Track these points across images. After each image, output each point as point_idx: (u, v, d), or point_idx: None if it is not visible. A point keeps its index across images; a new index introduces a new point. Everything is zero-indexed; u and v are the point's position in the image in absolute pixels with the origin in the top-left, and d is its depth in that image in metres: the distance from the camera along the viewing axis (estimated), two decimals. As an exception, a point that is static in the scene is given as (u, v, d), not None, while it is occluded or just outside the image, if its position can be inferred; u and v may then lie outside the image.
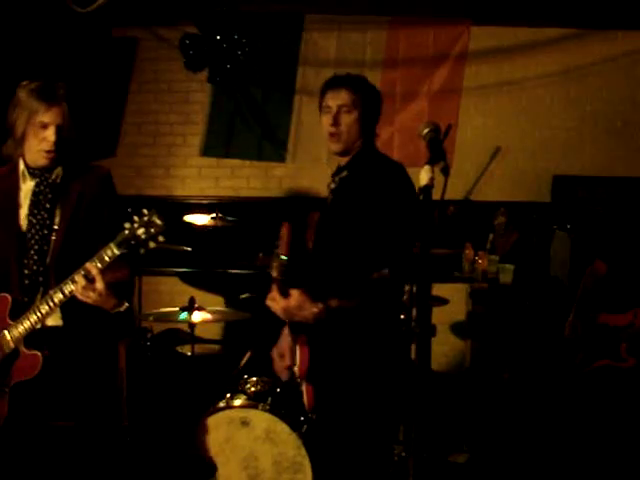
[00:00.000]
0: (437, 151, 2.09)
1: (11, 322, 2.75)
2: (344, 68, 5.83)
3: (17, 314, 2.76)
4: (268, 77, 5.84)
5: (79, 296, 2.67)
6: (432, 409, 2.57)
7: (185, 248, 5.05)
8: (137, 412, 4.67)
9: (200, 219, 5.04)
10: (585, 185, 5.54)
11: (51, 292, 2.71)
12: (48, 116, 2.81)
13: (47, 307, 2.70)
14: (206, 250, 5.36)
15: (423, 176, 2.00)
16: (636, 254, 4.23)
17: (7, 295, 2.78)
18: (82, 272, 2.64)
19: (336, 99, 2.88)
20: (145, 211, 2.75)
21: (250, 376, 3.91)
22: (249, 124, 5.86)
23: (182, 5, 5.39)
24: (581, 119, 5.83)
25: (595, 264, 4.36)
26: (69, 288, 2.67)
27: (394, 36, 5.78)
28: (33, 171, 2.87)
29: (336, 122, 2.86)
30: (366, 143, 2.97)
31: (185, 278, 5.87)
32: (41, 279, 2.79)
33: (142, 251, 2.69)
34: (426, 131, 2.17)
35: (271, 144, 5.87)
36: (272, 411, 3.56)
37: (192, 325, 4.14)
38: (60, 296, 2.69)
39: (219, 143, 5.89)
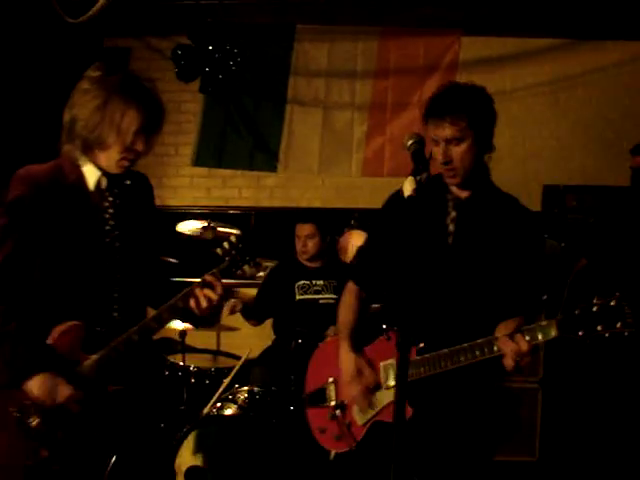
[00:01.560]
0: (421, 162, 2.11)
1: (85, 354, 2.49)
2: (335, 78, 5.90)
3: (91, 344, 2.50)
4: (260, 87, 5.86)
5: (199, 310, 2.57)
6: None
7: (175, 258, 5.05)
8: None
9: (192, 229, 5.04)
10: (575, 194, 5.56)
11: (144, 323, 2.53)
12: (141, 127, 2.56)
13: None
14: (197, 260, 5.35)
15: (407, 187, 2.02)
16: (625, 260, 4.25)
17: (80, 323, 2.48)
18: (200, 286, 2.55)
19: (441, 131, 2.48)
20: (233, 238, 2.52)
21: (241, 385, 3.92)
22: (241, 134, 5.88)
23: (174, 16, 5.42)
24: (571, 128, 5.86)
25: (580, 262, 4.39)
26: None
27: (385, 46, 5.81)
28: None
29: (447, 157, 2.49)
30: (484, 174, 2.62)
31: (176, 287, 5.85)
32: (116, 296, 2.55)
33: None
34: (410, 142, 2.18)
35: (263, 154, 5.90)
36: (262, 419, 3.56)
37: (183, 334, 4.15)
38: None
39: (211, 153, 5.90)
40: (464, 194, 2.58)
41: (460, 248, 2.54)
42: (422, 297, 2.45)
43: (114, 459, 2.44)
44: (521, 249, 2.49)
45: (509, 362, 2.29)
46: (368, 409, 2.58)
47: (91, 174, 2.54)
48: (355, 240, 4.90)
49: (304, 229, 4.72)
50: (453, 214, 2.57)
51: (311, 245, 4.71)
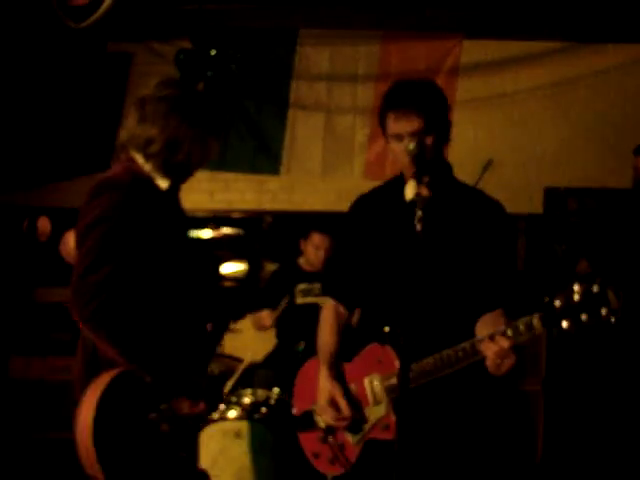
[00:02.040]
0: (422, 166, 2.12)
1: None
2: (337, 82, 5.92)
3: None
4: (262, 91, 5.88)
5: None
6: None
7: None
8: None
9: (195, 232, 5.07)
10: (576, 197, 5.57)
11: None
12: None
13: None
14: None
15: (409, 191, 2.04)
16: (627, 263, 4.26)
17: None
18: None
19: (406, 125, 2.35)
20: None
21: (244, 388, 3.93)
22: (243, 137, 5.90)
23: (177, 20, 5.44)
24: (572, 131, 5.87)
25: (580, 264, 4.39)
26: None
27: (387, 50, 5.83)
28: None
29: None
30: (446, 168, 2.53)
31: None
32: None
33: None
34: (411, 146, 2.20)
35: (265, 157, 5.92)
36: (266, 423, 3.58)
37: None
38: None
39: (213, 156, 5.92)
40: (426, 191, 2.43)
41: (428, 246, 2.37)
42: (396, 301, 2.39)
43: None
44: (489, 239, 2.41)
45: (490, 364, 2.19)
46: (358, 429, 2.48)
47: (161, 180, 2.56)
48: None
49: (325, 242, 4.72)
50: (419, 213, 2.42)
51: (324, 256, 4.73)
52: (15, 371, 4.97)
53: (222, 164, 5.93)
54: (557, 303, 2.06)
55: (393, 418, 2.33)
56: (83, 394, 2.29)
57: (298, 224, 4.92)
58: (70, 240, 5.23)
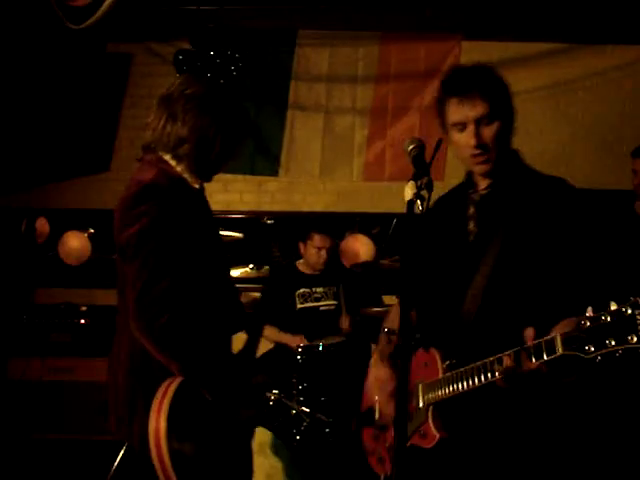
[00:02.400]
0: (421, 167, 2.09)
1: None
2: (336, 83, 5.91)
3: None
4: (261, 92, 5.88)
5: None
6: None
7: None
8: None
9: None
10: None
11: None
12: None
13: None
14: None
15: (407, 192, 2.02)
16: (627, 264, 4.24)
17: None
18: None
19: (469, 110, 2.23)
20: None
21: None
22: (242, 138, 5.89)
23: (176, 21, 5.44)
24: (572, 132, 5.88)
25: None
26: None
27: (386, 51, 5.82)
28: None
29: (481, 139, 2.24)
30: (514, 159, 2.37)
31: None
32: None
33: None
34: (411, 147, 2.17)
35: (264, 158, 5.91)
36: (265, 424, 3.57)
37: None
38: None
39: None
40: (484, 184, 2.35)
41: (482, 246, 2.28)
42: (449, 306, 2.34)
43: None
44: (565, 232, 2.17)
45: (499, 381, 2.02)
46: None
47: (191, 179, 2.53)
48: (361, 245, 4.91)
49: (326, 241, 4.72)
50: (472, 210, 2.37)
51: (326, 256, 4.73)
52: (14, 372, 4.96)
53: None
54: (586, 323, 1.84)
55: (431, 426, 2.22)
56: (150, 404, 2.25)
57: (297, 225, 4.90)
58: (68, 241, 5.22)
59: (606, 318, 1.80)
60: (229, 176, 5.99)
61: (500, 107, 2.25)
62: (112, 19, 4.30)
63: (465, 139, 2.25)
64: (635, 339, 1.74)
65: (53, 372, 5.00)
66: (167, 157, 2.49)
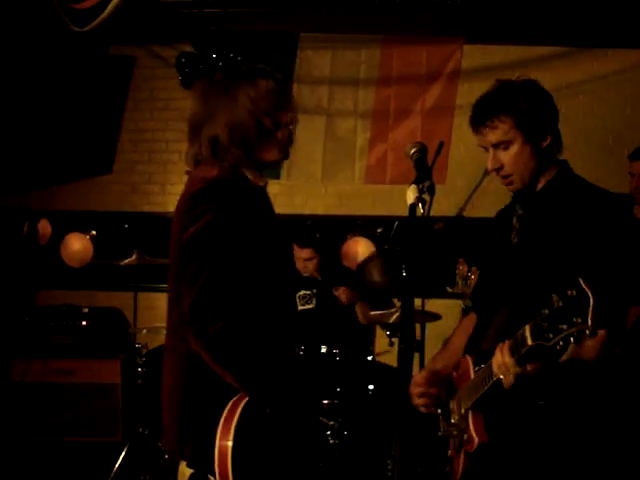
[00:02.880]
0: (423, 170, 2.10)
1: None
2: (338, 86, 5.93)
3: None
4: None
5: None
6: (422, 423, 2.49)
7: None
8: (131, 426, 4.69)
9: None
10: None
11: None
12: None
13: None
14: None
15: (409, 195, 2.03)
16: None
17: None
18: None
19: (483, 138, 2.31)
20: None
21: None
22: (244, 141, 5.90)
23: (178, 24, 5.45)
24: (573, 136, 5.83)
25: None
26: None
27: (388, 54, 5.83)
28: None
29: (497, 163, 2.29)
30: (561, 168, 2.37)
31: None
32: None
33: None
34: (413, 151, 2.18)
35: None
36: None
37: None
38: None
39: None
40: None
41: (525, 248, 2.30)
42: (489, 306, 2.37)
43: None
44: (589, 243, 2.15)
45: (504, 379, 2.01)
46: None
47: (254, 176, 2.42)
48: (362, 248, 4.92)
49: (303, 253, 4.71)
50: (520, 211, 2.38)
51: (311, 266, 4.72)
52: (16, 374, 4.97)
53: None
54: (545, 310, 1.84)
55: (471, 430, 2.17)
56: (218, 422, 2.17)
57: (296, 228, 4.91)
58: (70, 243, 5.23)
59: (558, 303, 1.79)
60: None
61: (521, 128, 2.26)
62: (115, 22, 4.33)
63: (488, 161, 2.32)
64: (580, 319, 1.73)
65: (54, 374, 5.00)
66: (228, 157, 2.37)
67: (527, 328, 1.89)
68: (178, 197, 6.23)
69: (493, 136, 2.27)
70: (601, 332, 1.99)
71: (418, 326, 4.55)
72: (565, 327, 1.76)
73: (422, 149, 2.19)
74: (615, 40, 5.65)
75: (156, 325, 4.52)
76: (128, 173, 6.06)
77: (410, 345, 1.90)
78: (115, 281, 5.58)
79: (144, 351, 4.76)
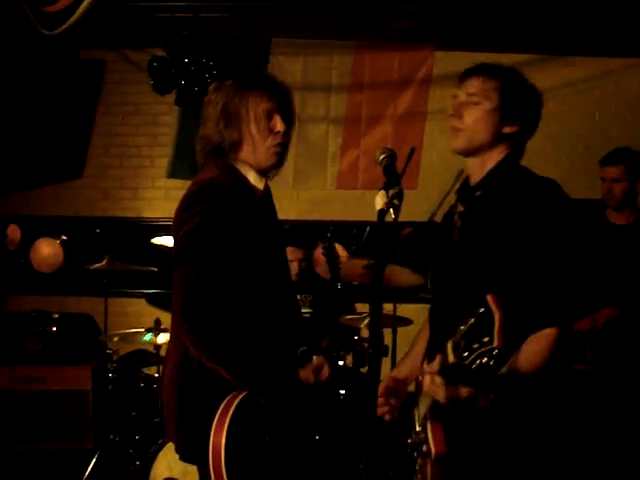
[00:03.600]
0: (392, 176, 2.09)
1: None
2: (310, 92, 5.93)
3: None
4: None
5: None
6: (392, 427, 2.47)
7: (151, 269, 5.05)
8: (102, 433, 4.65)
9: (168, 241, 5.05)
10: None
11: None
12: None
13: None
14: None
15: (378, 201, 2.03)
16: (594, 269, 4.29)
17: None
18: None
19: (465, 87, 2.28)
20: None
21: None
22: (216, 146, 5.89)
23: (150, 28, 5.43)
24: (543, 142, 5.93)
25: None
26: None
27: (360, 60, 5.86)
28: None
29: (457, 112, 2.26)
30: (509, 155, 2.30)
31: (152, 300, 5.86)
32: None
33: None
34: (382, 157, 2.17)
35: (238, 166, 5.91)
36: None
37: (157, 346, 4.15)
38: None
39: (186, 165, 5.89)
40: (474, 177, 2.30)
41: (464, 245, 2.25)
42: (438, 309, 2.37)
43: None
44: (533, 239, 2.07)
45: (436, 397, 1.91)
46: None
47: (255, 179, 2.51)
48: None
49: (294, 254, 4.71)
50: (461, 208, 2.35)
51: (298, 268, 4.72)
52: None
53: (195, 173, 5.90)
54: (462, 327, 1.73)
55: (430, 441, 2.04)
56: (212, 419, 2.23)
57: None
58: (40, 248, 5.18)
59: (471, 320, 1.69)
60: (203, 184, 5.97)
61: (501, 95, 2.27)
62: (86, 25, 4.29)
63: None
64: (487, 339, 1.64)
65: (24, 381, 4.94)
66: (230, 159, 2.46)
67: (449, 344, 1.79)
68: (150, 202, 6.21)
69: (475, 85, 2.27)
70: (548, 331, 1.99)
71: (390, 331, 4.58)
72: (476, 346, 1.67)
73: (391, 155, 2.19)
74: (583, 48, 5.72)
75: (127, 331, 4.48)
76: (99, 178, 6.02)
77: (378, 350, 1.88)
78: (86, 286, 5.54)
79: (115, 357, 4.73)
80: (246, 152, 2.45)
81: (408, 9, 5.27)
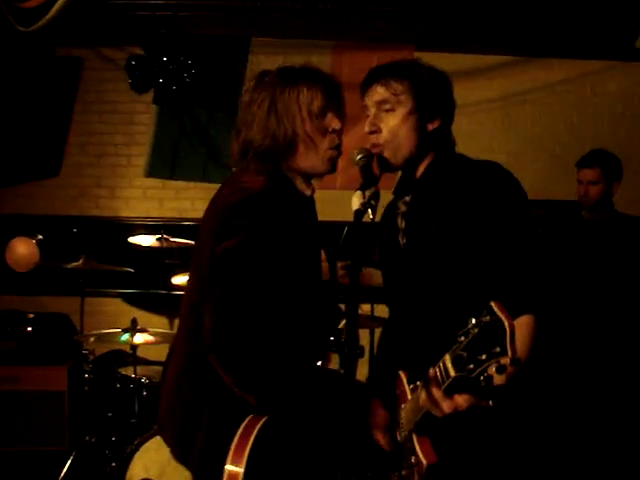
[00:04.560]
0: (369, 177, 2.08)
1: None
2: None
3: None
4: (214, 99, 5.86)
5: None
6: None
7: (127, 269, 5.02)
8: (78, 434, 4.62)
9: (145, 240, 5.02)
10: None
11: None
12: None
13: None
14: (150, 271, 5.33)
15: (354, 201, 2.01)
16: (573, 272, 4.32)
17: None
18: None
19: (372, 96, 2.18)
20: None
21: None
22: (194, 145, 5.87)
23: (128, 26, 5.40)
24: (520, 143, 5.98)
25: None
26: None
27: (338, 60, 5.85)
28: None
29: (374, 126, 2.19)
30: (441, 149, 2.22)
31: (129, 299, 5.82)
32: None
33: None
34: (359, 157, 2.15)
35: (216, 166, 5.87)
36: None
37: (134, 346, 4.13)
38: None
39: (164, 164, 5.88)
40: (416, 175, 2.21)
41: (413, 249, 2.19)
42: (400, 317, 2.31)
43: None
44: (483, 225, 2.02)
45: (434, 412, 1.86)
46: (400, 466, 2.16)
47: (302, 185, 2.28)
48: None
49: None
50: (402, 208, 2.28)
51: None
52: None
53: (173, 173, 5.89)
54: (462, 339, 1.64)
55: (419, 452, 2.03)
56: (228, 442, 2.03)
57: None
58: (16, 247, 5.13)
59: (475, 330, 1.59)
60: (181, 183, 5.95)
61: (413, 94, 2.18)
62: (62, 22, 4.26)
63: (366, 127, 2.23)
64: (498, 349, 1.54)
65: (-2, 381, 4.89)
66: (281, 163, 2.21)
67: (447, 358, 1.70)
68: (127, 201, 6.16)
69: (382, 92, 2.16)
70: (524, 319, 1.91)
71: (367, 332, 4.58)
72: (484, 357, 1.58)
73: (368, 155, 2.17)
74: (562, 50, 5.76)
75: (103, 331, 4.44)
76: (76, 177, 5.97)
77: (354, 351, 1.86)
78: (62, 286, 5.49)
79: (91, 357, 4.69)
80: (301, 155, 2.19)
81: (387, 10, 5.29)
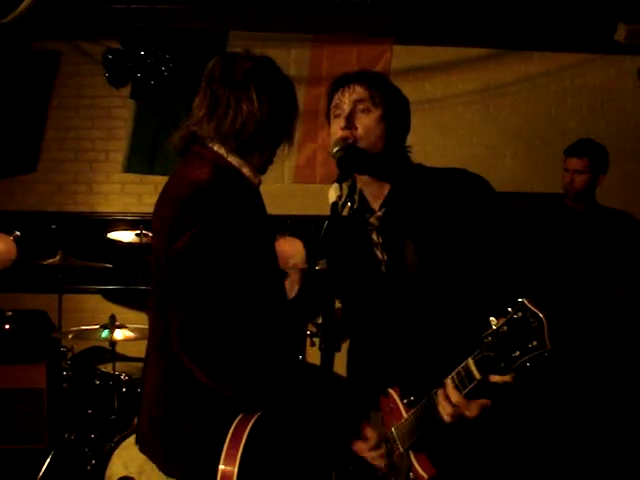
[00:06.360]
0: (346, 169, 2.06)
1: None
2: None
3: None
4: (192, 93, 5.80)
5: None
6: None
7: (106, 265, 4.98)
8: (57, 432, 4.58)
9: (124, 236, 4.98)
10: (505, 200, 5.66)
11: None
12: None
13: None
14: (129, 267, 5.29)
15: (331, 194, 1.99)
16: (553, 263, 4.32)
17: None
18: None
19: (350, 94, 2.18)
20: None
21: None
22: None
23: (105, 19, 5.34)
24: (500, 136, 5.99)
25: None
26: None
27: (318, 54, 5.83)
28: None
29: (350, 122, 2.16)
30: (404, 163, 2.24)
31: (108, 295, 5.78)
32: None
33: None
34: (336, 149, 2.12)
35: (195, 160, 5.85)
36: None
37: (113, 343, 4.09)
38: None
39: (142, 159, 5.82)
40: (377, 204, 2.23)
41: (399, 264, 2.18)
42: (384, 339, 2.26)
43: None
44: (469, 234, 2.05)
45: (445, 417, 1.90)
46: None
47: (255, 177, 2.35)
48: (286, 247, 4.89)
49: None
50: (375, 222, 2.24)
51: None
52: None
53: (152, 168, 5.84)
54: (489, 339, 1.69)
55: (417, 468, 2.05)
56: (220, 443, 2.02)
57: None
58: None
59: (504, 328, 1.65)
60: (159, 178, 5.83)
61: (385, 105, 2.18)
62: (38, 15, 4.20)
63: (336, 124, 2.22)
64: (535, 343, 1.59)
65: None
66: (222, 150, 2.23)
67: (471, 362, 1.76)
68: (105, 196, 6.10)
69: (361, 93, 2.17)
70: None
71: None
72: (518, 353, 1.62)
73: (344, 147, 2.14)
74: (541, 43, 5.78)
75: (82, 328, 4.40)
76: (53, 172, 5.91)
77: (331, 346, 1.83)
78: (40, 283, 5.44)
79: (70, 354, 4.65)
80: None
81: (366, 2, 5.27)
